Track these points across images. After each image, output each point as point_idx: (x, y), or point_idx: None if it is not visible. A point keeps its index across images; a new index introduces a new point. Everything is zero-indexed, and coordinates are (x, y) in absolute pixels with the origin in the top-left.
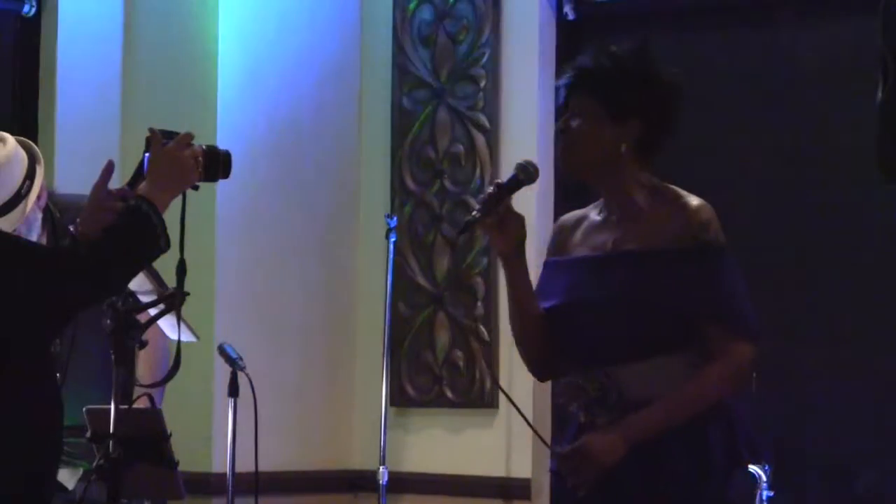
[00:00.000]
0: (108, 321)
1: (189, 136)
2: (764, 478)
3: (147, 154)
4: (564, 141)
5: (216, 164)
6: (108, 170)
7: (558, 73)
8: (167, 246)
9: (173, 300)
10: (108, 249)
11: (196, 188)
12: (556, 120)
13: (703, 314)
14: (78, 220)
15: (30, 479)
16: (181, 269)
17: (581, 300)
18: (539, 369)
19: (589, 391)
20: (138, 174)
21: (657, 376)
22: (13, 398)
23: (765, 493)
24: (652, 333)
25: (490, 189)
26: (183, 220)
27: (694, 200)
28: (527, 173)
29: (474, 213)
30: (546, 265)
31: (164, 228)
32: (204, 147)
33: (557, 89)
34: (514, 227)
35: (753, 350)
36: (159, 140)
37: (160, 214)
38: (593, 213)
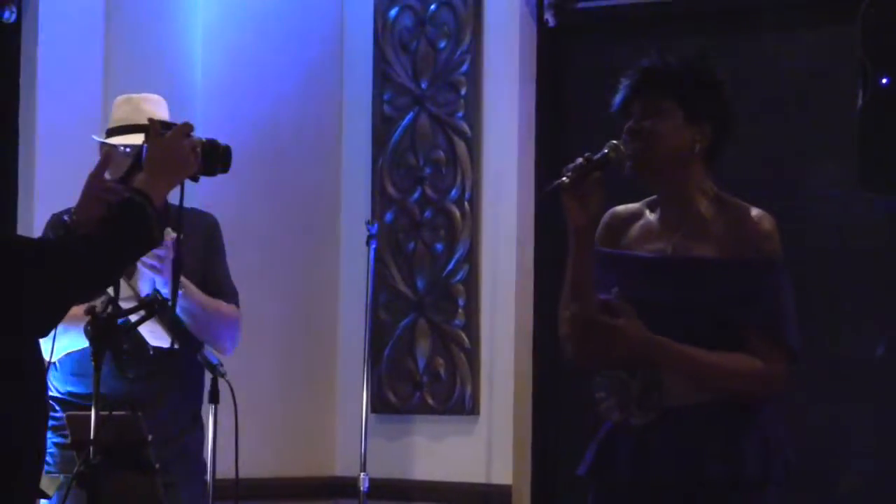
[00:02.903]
0: (89, 327)
1: (188, 127)
2: None
3: (145, 144)
4: (640, 140)
5: (215, 157)
6: (106, 160)
7: (539, 80)
8: (160, 239)
9: (153, 306)
10: (102, 242)
11: (196, 180)
12: (613, 117)
13: (756, 326)
14: (72, 209)
15: (11, 482)
16: (177, 267)
17: (638, 300)
18: (583, 357)
19: (632, 388)
20: (135, 164)
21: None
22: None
23: None
24: (705, 340)
25: (579, 160)
26: (180, 213)
27: (756, 211)
28: (617, 152)
29: (563, 178)
30: (597, 254)
31: (158, 220)
32: (204, 139)
33: (622, 88)
34: (595, 203)
35: (788, 370)
36: (158, 130)
37: (154, 206)
38: (648, 212)
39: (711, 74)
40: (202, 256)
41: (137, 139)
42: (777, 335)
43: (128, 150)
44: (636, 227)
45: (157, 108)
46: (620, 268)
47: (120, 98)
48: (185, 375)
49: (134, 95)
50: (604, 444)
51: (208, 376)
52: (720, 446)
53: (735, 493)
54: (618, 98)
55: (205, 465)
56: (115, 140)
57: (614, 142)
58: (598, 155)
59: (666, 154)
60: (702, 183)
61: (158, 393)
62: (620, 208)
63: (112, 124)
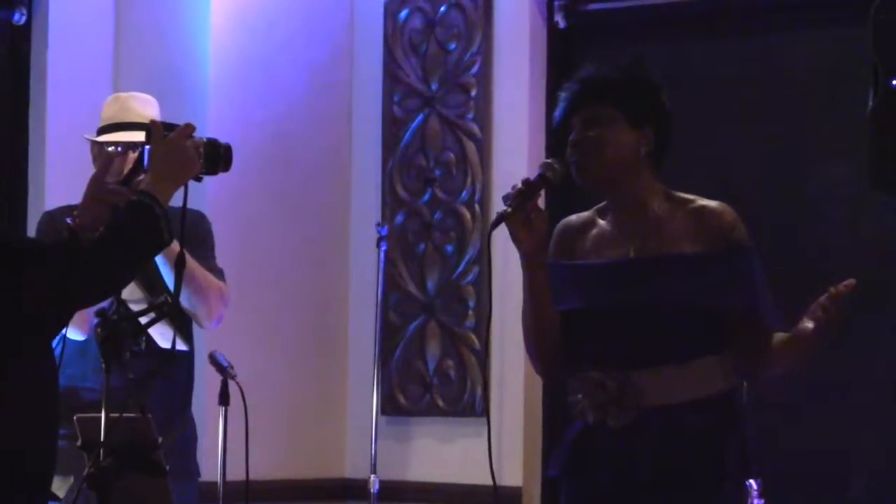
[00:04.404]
0: (99, 330)
1: (190, 127)
2: (755, 487)
3: (148, 146)
4: (585, 150)
5: (217, 157)
6: (107, 163)
7: (549, 82)
8: (170, 240)
9: (163, 309)
10: (112, 246)
11: (199, 180)
12: (554, 133)
13: (744, 313)
14: (75, 212)
15: (25, 486)
16: (180, 263)
17: (612, 304)
18: (549, 370)
19: (608, 389)
20: (138, 166)
21: (675, 383)
22: (11, 400)
23: (756, 503)
24: (683, 337)
25: (518, 186)
26: (184, 213)
27: (714, 203)
28: (553, 171)
29: (505, 208)
30: (555, 267)
31: (167, 222)
32: (205, 139)
33: (560, 101)
34: (540, 225)
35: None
36: (160, 131)
37: (162, 207)
38: (600, 220)
39: (649, 78)
40: (189, 248)
41: (126, 137)
42: (762, 319)
43: (119, 149)
44: (590, 235)
45: (146, 106)
46: (583, 276)
47: (109, 97)
48: (181, 376)
49: (122, 94)
50: (578, 446)
51: (218, 378)
52: (701, 444)
53: (717, 490)
54: (558, 112)
55: (197, 466)
56: (104, 138)
57: (549, 160)
58: (536, 177)
59: (613, 162)
60: (651, 185)
61: (151, 393)
62: (573, 218)
63: (101, 123)
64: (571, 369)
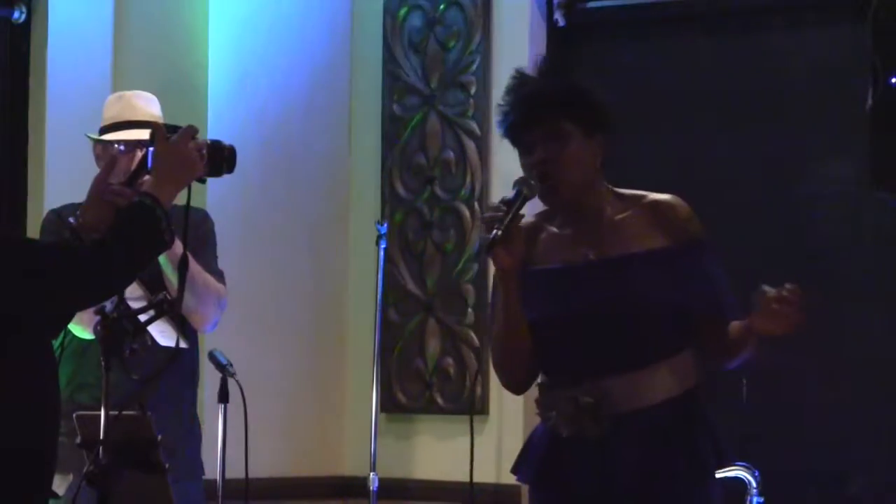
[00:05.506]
0: (99, 328)
1: (193, 130)
2: (754, 483)
3: (151, 148)
4: (552, 172)
5: (220, 158)
6: (111, 163)
7: None
8: (171, 241)
9: (163, 307)
10: (113, 247)
11: (202, 181)
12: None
13: (704, 307)
14: (78, 212)
15: (24, 486)
16: (183, 264)
17: (577, 309)
18: (519, 385)
19: (580, 402)
20: (141, 168)
21: (648, 387)
22: (11, 399)
23: (755, 500)
24: (651, 337)
25: (500, 207)
26: (187, 215)
27: (665, 196)
28: (530, 188)
29: (494, 232)
30: (523, 275)
31: (168, 224)
32: (208, 141)
33: (509, 116)
34: (518, 242)
35: None
36: (164, 134)
37: (164, 209)
38: (549, 225)
39: (588, 84)
40: (191, 247)
41: (130, 135)
42: (723, 313)
43: (121, 147)
44: (541, 241)
45: (150, 104)
46: (544, 283)
47: (112, 96)
48: (183, 375)
49: (126, 93)
50: (551, 454)
51: (217, 376)
52: (678, 443)
53: (696, 487)
54: (507, 127)
55: (201, 464)
56: (110, 137)
57: (522, 177)
58: (514, 197)
59: (578, 176)
60: (602, 187)
61: (155, 392)
62: (520, 225)
63: (104, 122)
64: (543, 380)
